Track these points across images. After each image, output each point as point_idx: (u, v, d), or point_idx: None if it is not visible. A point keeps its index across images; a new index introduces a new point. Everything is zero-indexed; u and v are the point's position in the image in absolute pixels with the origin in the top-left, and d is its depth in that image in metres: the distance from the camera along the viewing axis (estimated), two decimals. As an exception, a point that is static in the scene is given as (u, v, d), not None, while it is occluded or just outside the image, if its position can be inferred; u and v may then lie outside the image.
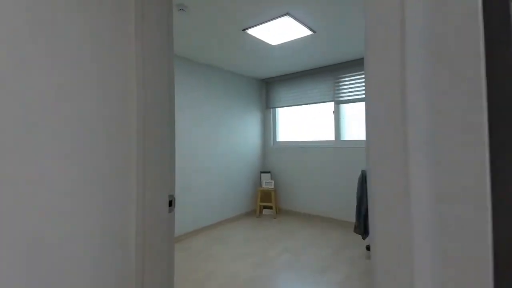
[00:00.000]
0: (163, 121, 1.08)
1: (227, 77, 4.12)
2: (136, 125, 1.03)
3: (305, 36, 2.81)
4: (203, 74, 3.75)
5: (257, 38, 2.85)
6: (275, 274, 2.47)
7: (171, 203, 1.15)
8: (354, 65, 3.74)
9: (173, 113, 1.17)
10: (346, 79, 3.82)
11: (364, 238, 2.78)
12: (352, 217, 3.78)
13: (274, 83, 4.65)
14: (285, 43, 2.99)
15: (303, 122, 4.41)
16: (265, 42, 2.97)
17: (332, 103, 4.03)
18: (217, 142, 3.95)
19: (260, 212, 4.59)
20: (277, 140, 4.77)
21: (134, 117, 1.03)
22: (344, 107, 3.92)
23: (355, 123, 3.83)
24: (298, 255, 2.85)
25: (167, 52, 1.10)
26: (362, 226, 2.75)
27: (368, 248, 3.01)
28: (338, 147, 3.93)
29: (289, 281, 2.35)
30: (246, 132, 4.48)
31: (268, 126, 4.83)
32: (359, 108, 3.78)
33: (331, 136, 4.07)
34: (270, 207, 4.74)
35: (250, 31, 2.66)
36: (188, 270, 2.57)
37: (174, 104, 1.18)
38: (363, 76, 3.68)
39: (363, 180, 2.80)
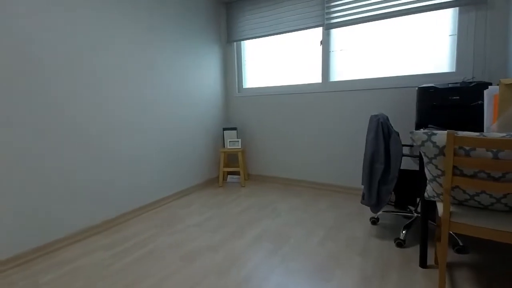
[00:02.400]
0: None
1: (167, -13, 2.73)
2: None
3: None
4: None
5: None
6: (250, 283, 1.52)
7: None
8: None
9: None
10: (342, -10, 2.70)
11: (375, 211, 1.92)
12: (349, 181, 2.94)
13: (238, 5, 3.36)
14: None
15: (278, 61, 3.28)
16: None
17: (321, 29, 2.92)
18: (160, 92, 2.69)
19: (224, 179, 3.58)
20: (244, 86, 3.62)
21: None
22: (336, 36, 2.85)
23: (349, 57, 2.81)
24: (280, 244, 1.93)
25: None
26: (375, 195, 1.88)
27: (374, 222, 2.20)
28: (327, 91, 2.93)
29: (276, 295, 1.43)
30: (200, 76, 3.24)
31: (231, 68, 3.62)
32: (358, 34, 2.74)
33: (317, 78, 3.03)
34: (237, 173, 3.75)
35: None
36: (110, 285, 1.50)
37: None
38: (365, -14, 2.58)
39: (378, 129, 1.86)
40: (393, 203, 2.58)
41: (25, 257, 1.79)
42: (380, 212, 2.41)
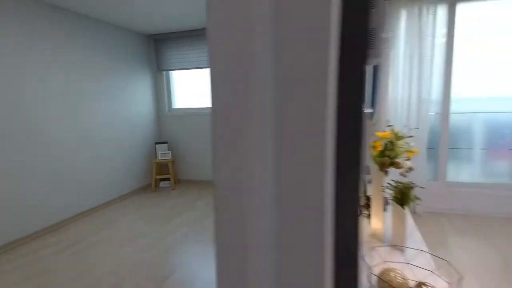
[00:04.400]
0: None
1: (104, 31, 3.34)
2: None
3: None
4: (75, 27, 2.90)
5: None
6: (169, 252, 2.33)
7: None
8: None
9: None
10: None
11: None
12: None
13: (165, 42, 4.10)
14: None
15: (201, 87, 4.13)
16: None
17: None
18: (97, 111, 3.28)
19: (157, 186, 4.26)
20: (173, 107, 4.37)
21: None
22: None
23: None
24: (194, 227, 2.78)
25: None
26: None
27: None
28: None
29: (182, 257, 2.26)
30: (134, 98, 3.89)
31: (161, 92, 4.33)
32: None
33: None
34: (168, 179, 4.46)
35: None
36: (59, 270, 2.13)
37: None
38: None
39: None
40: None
41: (-15, 255, 2.27)
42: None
